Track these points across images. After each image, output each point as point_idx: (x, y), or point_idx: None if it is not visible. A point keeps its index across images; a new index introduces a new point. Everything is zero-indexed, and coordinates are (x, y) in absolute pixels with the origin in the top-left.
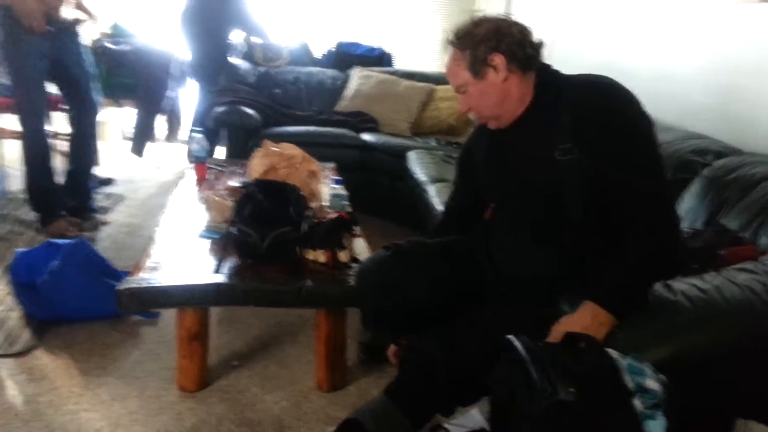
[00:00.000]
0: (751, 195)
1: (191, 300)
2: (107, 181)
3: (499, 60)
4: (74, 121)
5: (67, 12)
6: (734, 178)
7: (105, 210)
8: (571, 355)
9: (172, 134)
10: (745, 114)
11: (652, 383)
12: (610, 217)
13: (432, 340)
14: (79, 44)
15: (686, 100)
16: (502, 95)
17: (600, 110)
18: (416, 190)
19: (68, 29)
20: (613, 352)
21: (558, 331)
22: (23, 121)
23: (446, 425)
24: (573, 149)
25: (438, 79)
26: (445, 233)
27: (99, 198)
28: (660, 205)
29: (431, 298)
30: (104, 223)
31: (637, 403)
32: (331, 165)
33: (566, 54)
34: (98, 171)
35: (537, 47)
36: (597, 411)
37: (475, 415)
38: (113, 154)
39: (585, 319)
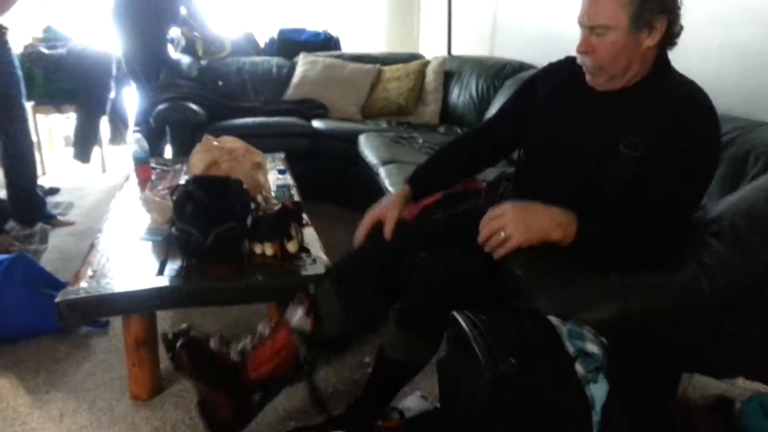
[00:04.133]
0: None
1: (134, 306)
2: (53, 191)
3: (661, 25)
4: (5, 133)
5: None
6: None
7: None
8: (513, 325)
9: (116, 136)
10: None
11: (592, 347)
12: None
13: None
14: (10, 52)
15: None
16: (637, 60)
17: (683, 130)
18: (368, 173)
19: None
20: (553, 319)
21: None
22: None
23: (400, 407)
24: (638, 147)
25: (385, 60)
26: (465, 144)
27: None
28: (677, 218)
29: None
30: (69, 224)
31: (579, 367)
32: (281, 155)
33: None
34: (44, 180)
35: (681, 29)
36: (540, 379)
37: (419, 400)
38: (58, 162)
39: (559, 217)
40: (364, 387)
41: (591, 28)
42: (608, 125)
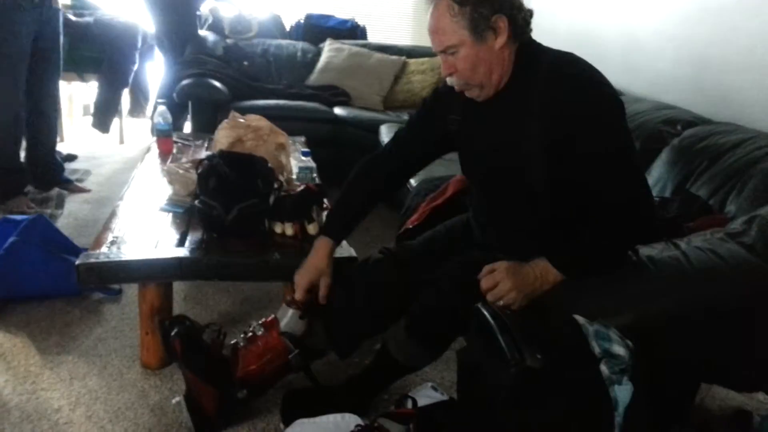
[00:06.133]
0: (719, 163)
1: (152, 274)
2: (71, 157)
3: (503, 23)
4: (36, 94)
5: None
6: (703, 146)
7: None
8: (538, 322)
9: (136, 109)
10: (715, 84)
11: (618, 348)
12: (580, 204)
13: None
14: (59, 15)
15: (657, 70)
16: (495, 63)
17: (572, 101)
18: None
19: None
20: (579, 318)
21: (499, 268)
22: None
23: (411, 395)
24: (541, 141)
25: (410, 52)
26: (374, 169)
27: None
28: (634, 197)
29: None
30: (85, 191)
31: (604, 368)
32: (302, 139)
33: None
34: (61, 147)
35: (530, 15)
36: (565, 377)
37: (430, 390)
38: (76, 130)
39: (534, 271)
40: (362, 369)
41: (443, 51)
42: (504, 131)
